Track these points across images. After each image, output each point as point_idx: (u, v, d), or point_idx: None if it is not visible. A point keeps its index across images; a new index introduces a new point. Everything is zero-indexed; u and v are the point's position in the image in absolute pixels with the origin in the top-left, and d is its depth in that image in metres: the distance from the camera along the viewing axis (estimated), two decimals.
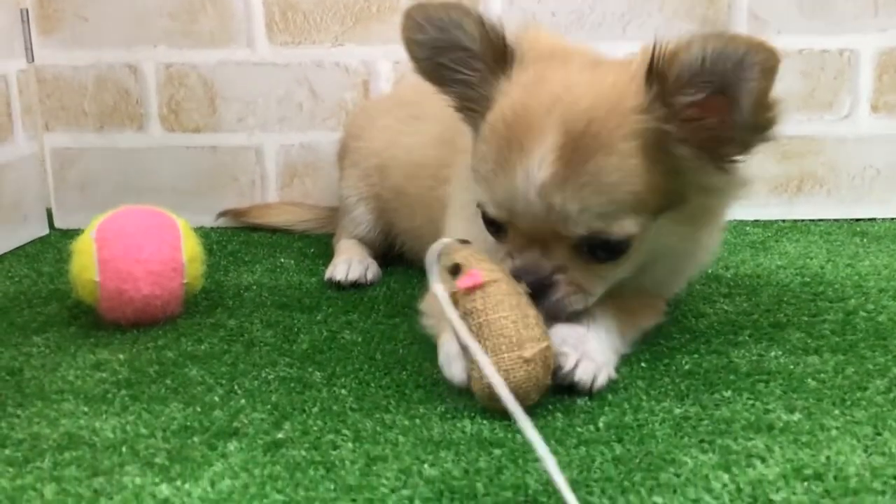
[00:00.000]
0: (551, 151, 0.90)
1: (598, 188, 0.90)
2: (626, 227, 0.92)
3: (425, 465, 0.77)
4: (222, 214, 1.74)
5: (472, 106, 1.02)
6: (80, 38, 1.71)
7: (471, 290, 0.89)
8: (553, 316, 0.94)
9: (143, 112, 1.73)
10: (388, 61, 1.68)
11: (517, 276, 0.93)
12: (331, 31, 1.68)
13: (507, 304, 0.89)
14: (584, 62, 0.99)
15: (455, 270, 0.91)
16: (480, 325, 0.88)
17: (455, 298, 0.89)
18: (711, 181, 0.95)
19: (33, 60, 1.71)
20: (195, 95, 1.72)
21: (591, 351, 0.94)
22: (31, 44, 1.70)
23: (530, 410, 0.87)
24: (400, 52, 1.03)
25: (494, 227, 0.99)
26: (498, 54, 0.98)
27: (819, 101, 1.65)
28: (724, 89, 0.88)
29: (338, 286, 1.34)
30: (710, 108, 0.90)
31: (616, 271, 0.97)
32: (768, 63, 0.85)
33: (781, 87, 1.61)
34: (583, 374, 0.92)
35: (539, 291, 0.93)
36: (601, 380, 0.92)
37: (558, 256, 0.94)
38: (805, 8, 1.62)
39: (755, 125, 0.90)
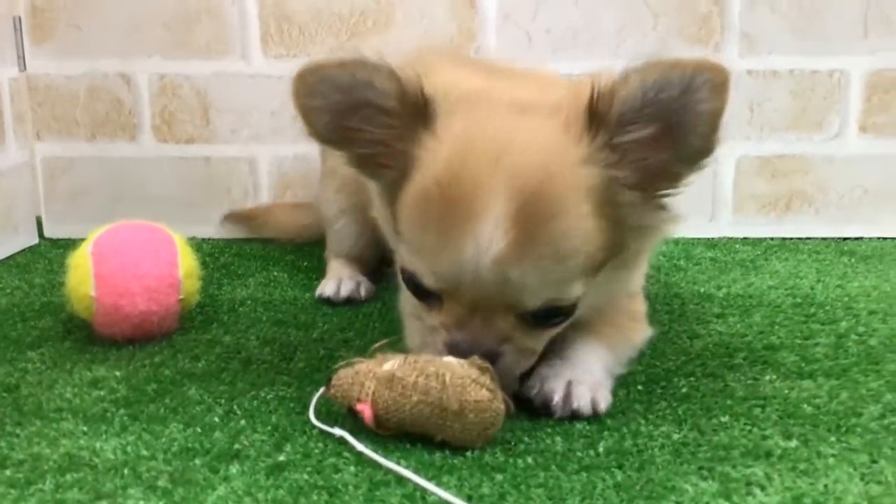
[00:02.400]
0: (505, 218, 0.81)
1: (559, 256, 0.83)
2: (575, 291, 0.87)
3: (428, 491, 0.78)
4: (226, 219, 1.71)
5: (385, 162, 0.92)
6: (73, 47, 1.70)
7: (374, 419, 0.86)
8: (501, 382, 0.87)
9: (135, 122, 1.73)
10: None
11: (454, 351, 0.87)
12: (326, 43, 1.69)
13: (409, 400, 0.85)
14: (508, 106, 0.89)
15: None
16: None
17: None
18: (648, 221, 0.90)
19: (25, 69, 1.70)
20: (188, 106, 1.72)
21: (579, 375, 0.94)
22: (23, 52, 1.69)
23: (529, 434, 0.89)
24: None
25: (427, 295, 0.90)
26: (417, 108, 0.88)
27: (809, 120, 1.67)
28: (670, 120, 0.82)
29: (329, 302, 1.34)
30: (654, 143, 0.84)
31: (558, 329, 0.93)
32: (718, 79, 0.80)
33: (773, 107, 1.65)
34: (579, 401, 0.91)
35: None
36: (603, 404, 0.92)
37: (503, 326, 0.88)
38: (797, 29, 1.64)
39: (702, 150, 0.85)
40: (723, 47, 1.64)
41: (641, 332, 1.09)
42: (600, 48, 1.65)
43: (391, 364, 0.87)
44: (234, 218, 1.72)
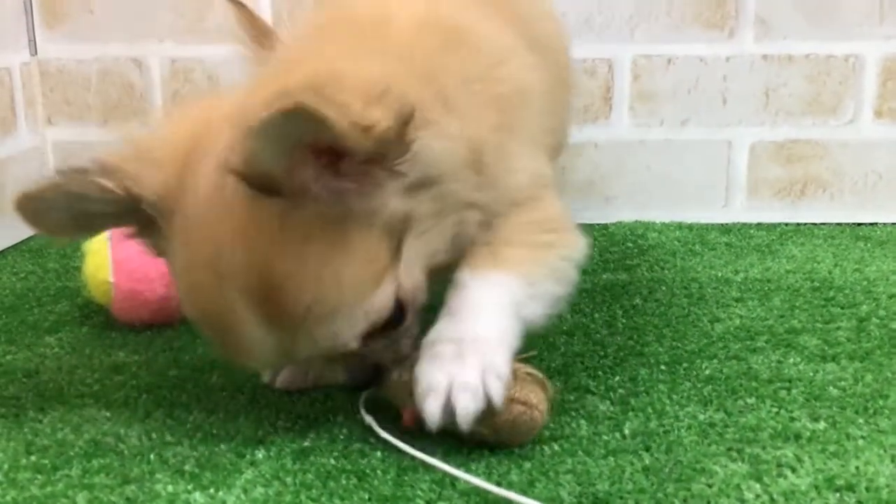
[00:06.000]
0: (254, 319, 0.75)
1: (319, 328, 0.76)
2: (378, 304, 0.77)
3: (457, 478, 0.77)
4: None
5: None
6: (85, 32, 1.69)
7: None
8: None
9: (147, 107, 1.72)
10: None
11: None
12: None
13: None
14: (207, 178, 0.76)
15: None
16: None
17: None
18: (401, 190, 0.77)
19: (37, 53, 1.69)
20: (201, 91, 1.71)
21: (467, 367, 0.80)
22: (34, 36, 1.68)
23: (553, 419, 0.88)
24: None
25: None
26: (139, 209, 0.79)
27: (824, 105, 1.66)
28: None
29: None
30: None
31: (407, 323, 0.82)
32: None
33: (788, 92, 1.64)
34: (462, 409, 0.78)
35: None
36: (497, 398, 0.79)
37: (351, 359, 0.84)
38: (811, 14, 1.62)
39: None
40: (738, 32, 1.63)
41: (564, 247, 0.91)
42: (614, 33, 1.64)
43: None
44: None
